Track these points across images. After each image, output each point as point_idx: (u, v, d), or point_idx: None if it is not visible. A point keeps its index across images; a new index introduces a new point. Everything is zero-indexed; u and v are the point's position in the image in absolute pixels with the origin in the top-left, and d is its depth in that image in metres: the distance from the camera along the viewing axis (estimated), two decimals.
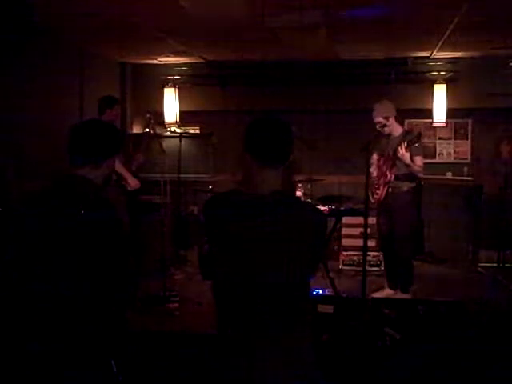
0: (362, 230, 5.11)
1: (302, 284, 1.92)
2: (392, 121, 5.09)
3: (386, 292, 5.26)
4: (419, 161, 4.98)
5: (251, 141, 1.93)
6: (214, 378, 1.91)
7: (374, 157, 5.20)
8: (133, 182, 5.09)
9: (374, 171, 5.17)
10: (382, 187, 5.11)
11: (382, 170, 5.14)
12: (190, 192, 6.98)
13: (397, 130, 5.15)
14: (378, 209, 5.24)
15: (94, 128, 2.28)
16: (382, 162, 5.18)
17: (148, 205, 6.15)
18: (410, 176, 5.03)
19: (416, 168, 4.97)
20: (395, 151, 4.95)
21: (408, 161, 4.91)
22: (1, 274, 2.15)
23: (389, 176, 5.06)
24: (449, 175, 7.25)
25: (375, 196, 5.17)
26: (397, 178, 5.02)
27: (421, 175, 5.12)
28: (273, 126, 1.96)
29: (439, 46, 6.24)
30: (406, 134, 5.13)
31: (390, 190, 5.06)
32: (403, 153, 4.88)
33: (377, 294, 5.15)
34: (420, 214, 5.39)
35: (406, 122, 7.46)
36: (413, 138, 4.93)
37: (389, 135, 5.14)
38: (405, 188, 5.04)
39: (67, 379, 2.03)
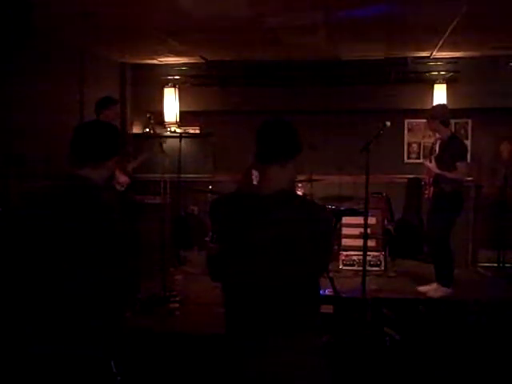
0: (361, 230, 5.14)
1: (310, 282, 1.91)
2: (438, 123, 5.24)
3: (431, 286, 5.35)
4: (460, 166, 5.11)
5: (256, 142, 1.99)
6: (224, 378, 1.91)
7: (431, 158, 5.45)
8: (122, 178, 5.08)
9: (425, 172, 5.48)
10: (428, 187, 5.38)
11: (429, 171, 5.38)
12: (190, 192, 6.98)
13: (444, 132, 5.29)
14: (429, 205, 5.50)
15: (95, 129, 2.30)
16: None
17: (148, 205, 6.15)
18: (449, 179, 5.16)
19: (451, 175, 5.11)
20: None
21: (436, 171, 5.17)
22: (1, 272, 2.15)
23: (427, 178, 5.37)
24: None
25: (425, 195, 5.47)
26: (436, 180, 5.22)
27: (464, 179, 5.22)
28: (273, 127, 2.01)
29: (439, 46, 6.24)
30: (449, 140, 5.26)
31: (436, 189, 5.25)
32: (429, 165, 5.24)
33: (422, 289, 5.34)
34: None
35: (406, 121, 7.47)
36: (450, 148, 5.16)
37: (440, 138, 5.35)
38: (449, 189, 5.15)
39: (67, 379, 2.03)
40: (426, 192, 5.43)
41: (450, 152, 5.15)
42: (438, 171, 5.16)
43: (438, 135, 5.39)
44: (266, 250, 1.84)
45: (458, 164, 5.11)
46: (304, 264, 1.84)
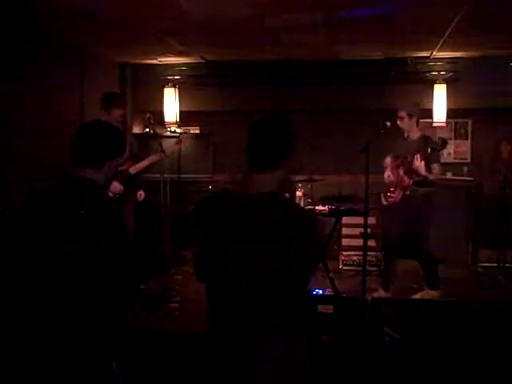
0: (361, 230, 5.13)
1: (295, 284, 1.89)
2: (413, 121, 5.09)
3: (379, 294, 5.19)
4: (437, 168, 5.00)
5: (246, 144, 1.93)
6: (211, 380, 1.90)
7: (388, 160, 5.23)
8: (117, 188, 4.88)
9: (389, 175, 5.20)
10: (398, 190, 5.12)
11: (399, 173, 5.13)
12: (190, 192, 6.97)
13: (415, 132, 5.14)
14: (389, 210, 5.23)
15: (97, 129, 2.31)
16: (398, 164, 5.16)
17: (148, 205, 6.14)
18: (428, 181, 5.03)
19: (431, 177, 4.99)
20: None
21: (424, 172, 4.93)
22: (2, 272, 2.15)
23: (407, 181, 5.05)
24: (449, 175, 7.24)
25: (389, 199, 5.18)
26: (415, 183, 5.03)
27: (437, 182, 5.09)
28: (265, 129, 1.94)
29: (439, 45, 6.24)
30: (425, 139, 5.10)
31: (407, 192, 5.06)
32: (419, 164, 4.90)
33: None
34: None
35: None
36: (437, 147, 4.97)
37: (407, 137, 5.17)
38: (423, 191, 5.04)
39: (68, 381, 2.03)
40: (393, 195, 5.13)
41: (431, 152, 4.93)
42: (424, 173, 4.94)
43: (406, 128, 5.12)
44: (247, 249, 1.82)
45: (434, 166, 4.97)
46: (283, 265, 1.81)
